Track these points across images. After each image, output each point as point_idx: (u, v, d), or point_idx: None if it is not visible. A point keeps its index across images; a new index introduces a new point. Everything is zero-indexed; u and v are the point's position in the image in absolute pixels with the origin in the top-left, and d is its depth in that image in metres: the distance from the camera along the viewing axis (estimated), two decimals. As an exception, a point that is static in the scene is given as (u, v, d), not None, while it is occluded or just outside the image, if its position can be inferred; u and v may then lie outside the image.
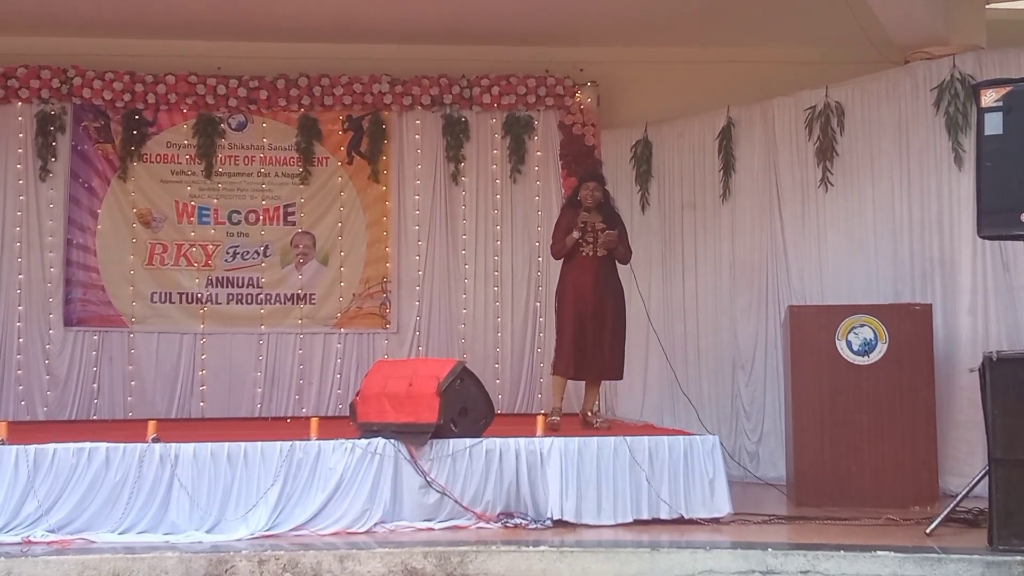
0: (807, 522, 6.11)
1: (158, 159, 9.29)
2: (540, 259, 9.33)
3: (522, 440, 6.02)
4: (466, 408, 6.07)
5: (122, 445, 5.68)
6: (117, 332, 9.09)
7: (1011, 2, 8.33)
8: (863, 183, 7.92)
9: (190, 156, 9.30)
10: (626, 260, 7.19)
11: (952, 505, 5.73)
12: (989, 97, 5.55)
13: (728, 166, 8.69)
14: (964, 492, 5.71)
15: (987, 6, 7.94)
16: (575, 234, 7.03)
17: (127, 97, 9.15)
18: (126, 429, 6.95)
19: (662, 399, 8.88)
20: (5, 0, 8.42)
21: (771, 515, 6.25)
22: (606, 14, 8.77)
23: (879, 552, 5.03)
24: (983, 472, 5.39)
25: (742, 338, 8.53)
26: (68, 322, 9.01)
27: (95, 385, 8.99)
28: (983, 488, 5.37)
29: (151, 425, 5.90)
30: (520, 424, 6.85)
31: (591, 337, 6.98)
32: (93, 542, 5.42)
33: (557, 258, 7.26)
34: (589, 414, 7.21)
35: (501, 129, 9.52)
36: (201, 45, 9.22)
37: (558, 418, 6.89)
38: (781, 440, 8.00)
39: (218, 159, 9.33)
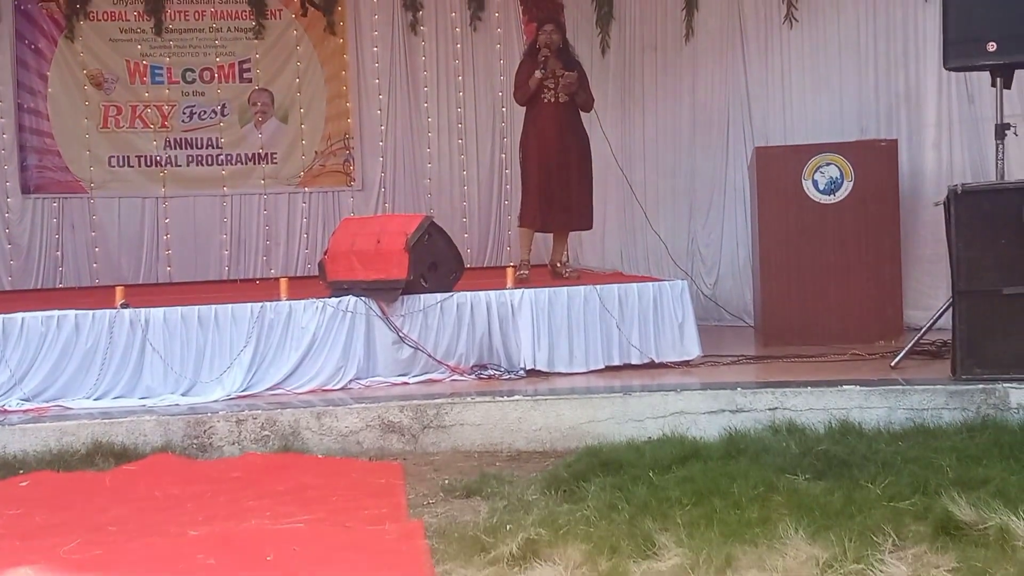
0: (774, 361, 6.21)
1: (105, 17, 8.98)
2: (504, 109, 9.21)
3: (492, 293, 6.05)
4: (435, 263, 6.07)
5: (91, 312, 5.66)
6: (77, 198, 8.96)
7: None
8: (828, 18, 7.77)
9: (138, 13, 9.00)
10: (588, 107, 7.11)
11: (916, 338, 5.83)
12: (956, -76, 5.44)
13: (691, 4, 8.48)
14: (928, 325, 5.80)
15: None
16: (537, 73, 6.92)
17: (67, -51, 8.78)
18: (94, 296, 6.96)
19: (622, 245, 8.92)
20: None
21: (739, 356, 6.35)
22: None
23: (845, 386, 5.13)
24: (947, 304, 5.48)
25: (700, 181, 8.49)
26: (25, 189, 8.85)
27: (59, 253, 8.90)
28: (947, 320, 5.45)
29: (119, 291, 5.86)
30: (490, 277, 6.89)
31: (557, 188, 6.95)
32: (69, 408, 5.44)
33: (521, 103, 7.16)
34: (558, 264, 7.24)
35: (459, -28, 9.25)
36: None
37: (527, 271, 6.91)
38: (738, 283, 8.15)
39: (167, 15, 9.03)
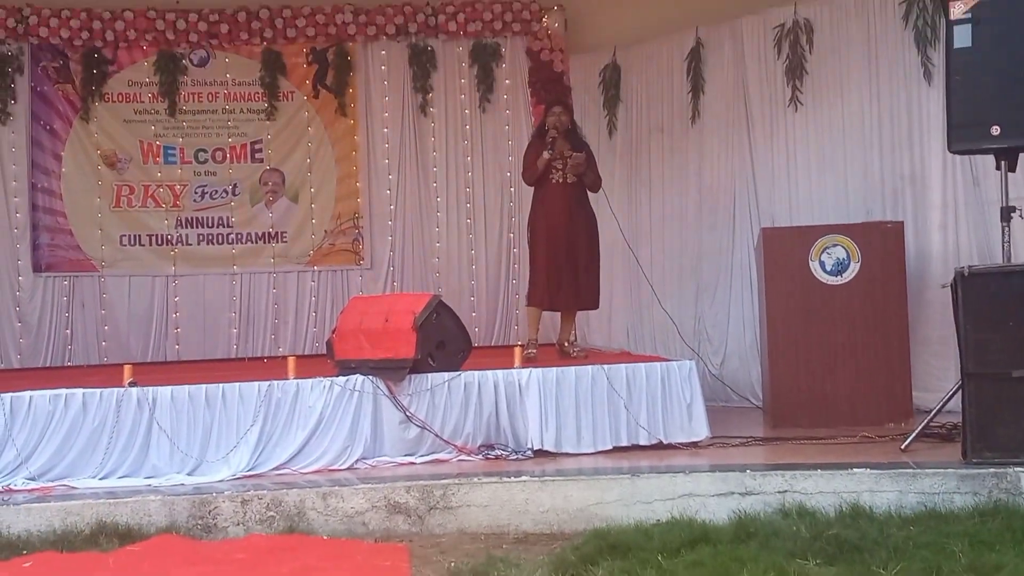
0: (784, 443, 6.18)
1: (120, 98, 9.18)
2: (512, 189, 9.30)
3: (500, 372, 6.05)
4: (443, 342, 6.09)
5: (99, 390, 5.68)
6: (87, 276, 9.04)
7: (979, -87, 8.24)
8: (833, 101, 7.88)
9: (153, 94, 9.19)
10: (596, 188, 7.20)
11: (926, 421, 5.80)
12: (958, 9, 5.55)
13: (697, 88, 8.63)
14: (938, 407, 5.77)
15: (955, -85, 7.88)
16: (545, 154, 7.02)
17: (85, 35, 9.01)
18: (102, 374, 6.97)
19: (629, 324, 8.94)
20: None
21: (749, 437, 6.32)
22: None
23: (855, 469, 5.09)
24: (956, 387, 5.44)
25: (707, 262, 8.55)
26: (37, 268, 8.95)
27: (68, 331, 8.97)
28: (956, 403, 5.42)
29: (127, 369, 5.89)
30: (498, 356, 6.92)
31: (565, 267, 7.00)
32: (75, 488, 5.42)
33: (529, 183, 7.25)
34: (566, 344, 7.26)
35: (468, 57, 9.44)
36: (160, -22, 9.06)
37: (534, 350, 6.93)
38: (744, 363, 8.13)
39: (181, 96, 9.22)
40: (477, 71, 9.41)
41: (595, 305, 7.31)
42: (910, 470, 5.06)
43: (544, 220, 7.08)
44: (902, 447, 5.65)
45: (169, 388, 5.75)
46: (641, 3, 9.18)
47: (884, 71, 7.59)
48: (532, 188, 7.26)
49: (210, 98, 9.29)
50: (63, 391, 5.65)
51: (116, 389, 5.68)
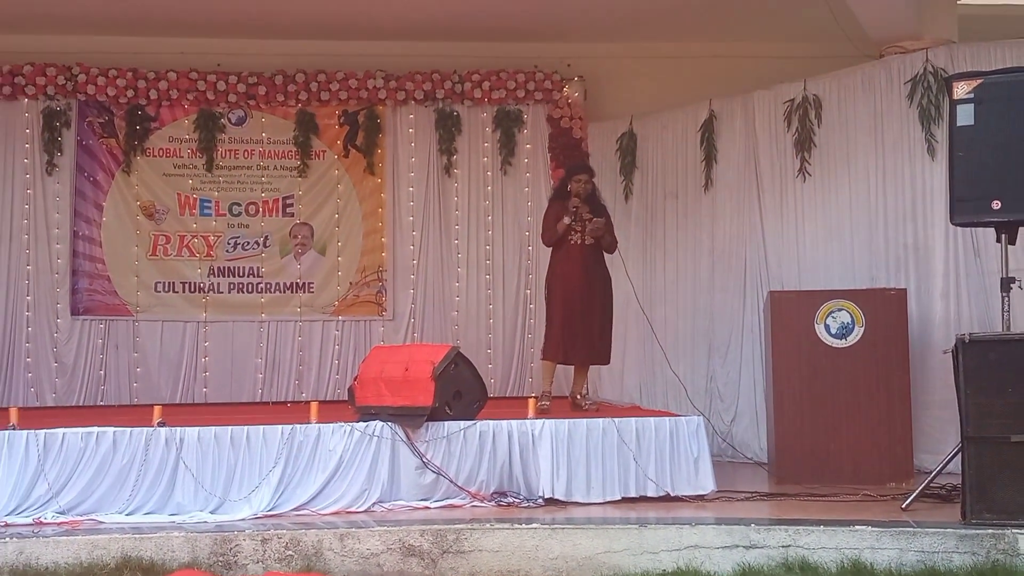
0: (788, 499, 6.25)
1: (160, 153, 9.45)
2: (530, 248, 9.48)
3: (514, 422, 6.15)
4: (460, 391, 6.19)
5: (129, 429, 5.79)
6: (123, 320, 9.25)
7: (981, -3, 8.51)
8: (839, 173, 8.01)
9: (191, 150, 9.45)
10: (612, 249, 7.38)
11: (927, 481, 5.89)
12: (961, 89, 5.68)
13: (710, 157, 8.78)
14: (938, 469, 5.88)
15: (958, 1, 8.05)
16: (566, 219, 7.21)
17: (130, 93, 9.29)
18: (132, 414, 7.09)
19: (641, 381, 9.03)
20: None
21: (754, 492, 6.39)
22: (593, 10, 8.90)
23: (857, 527, 5.15)
24: (956, 449, 5.54)
25: (719, 322, 8.65)
26: (75, 311, 9.18)
27: (102, 372, 9.16)
28: (956, 465, 5.53)
29: (156, 410, 6.00)
30: (512, 407, 7.02)
31: (580, 323, 7.15)
32: (101, 523, 5.53)
33: (548, 245, 7.42)
34: (579, 396, 7.35)
35: (492, 123, 9.66)
36: (202, 42, 9.34)
37: (548, 402, 7.02)
38: (754, 421, 8.19)
39: (219, 153, 9.47)
40: (500, 136, 9.64)
41: (607, 360, 7.47)
42: (911, 529, 5.12)
43: (562, 279, 7.26)
44: (903, 506, 5.73)
45: (196, 429, 5.85)
46: (658, 75, 9.49)
47: (890, 146, 7.72)
48: (550, 248, 7.48)
49: (246, 155, 9.54)
50: (95, 429, 5.75)
51: (145, 428, 5.79)
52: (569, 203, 7.26)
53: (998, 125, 5.62)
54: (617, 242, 7.45)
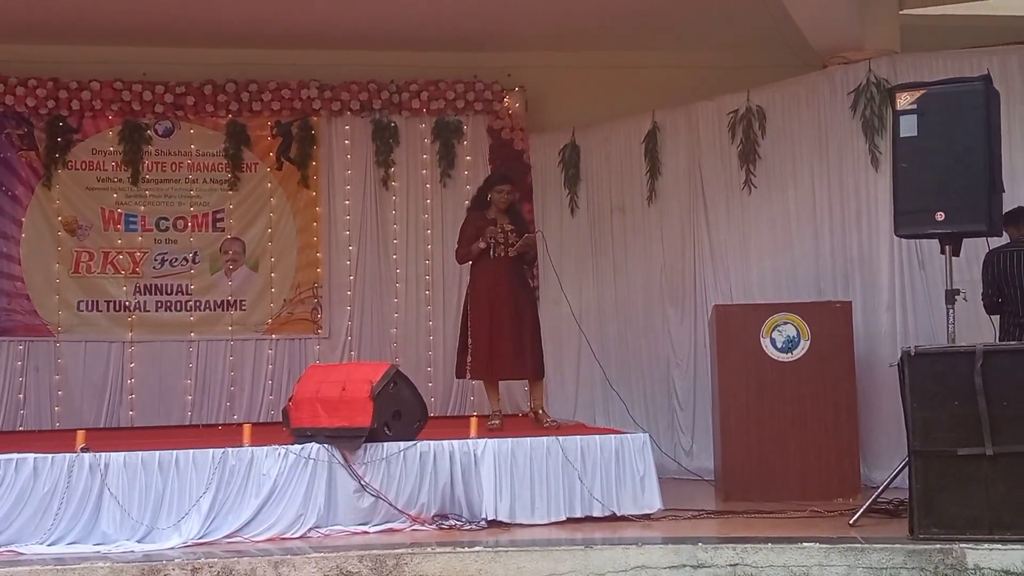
0: (735, 516, 6.22)
1: (83, 166, 9.19)
2: (471, 262, 9.38)
3: (456, 442, 6.08)
4: (399, 411, 6.11)
5: (50, 455, 5.63)
6: (43, 341, 8.98)
7: (923, 7, 8.57)
8: (785, 184, 8.07)
9: (116, 163, 9.20)
10: (533, 264, 7.34)
11: (874, 496, 5.90)
12: (904, 100, 5.73)
13: (654, 169, 8.80)
14: (885, 484, 5.89)
15: (900, 12, 8.16)
16: (481, 244, 7.08)
17: (51, 104, 9.03)
18: (54, 439, 6.93)
19: (594, 398, 8.99)
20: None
21: (700, 510, 6.36)
22: (533, 20, 8.86)
23: (805, 544, 5.15)
24: (903, 464, 5.56)
25: (676, 337, 8.65)
26: (-9, 332, 8.91)
27: (21, 396, 8.87)
28: (903, 479, 5.54)
29: (80, 435, 5.85)
30: (454, 426, 6.91)
31: (510, 339, 7.02)
32: (22, 554, 5.36)
33: (461, 263, 7.36)
34: (540, 412, 7.17)
35: (430, 134, 9.56)
36: (127, 51, 9.10)
37: (498, 421, 6.95)
38: (707, 437, 8.14)
39: (145, 165, 9.24)
40: (439, 147, 9.54)
41: (542, 374, 7.30)
42: (858, 545, 5.13)
43: (487, 293, 7.09)
44: (850, 522, 5.72)
45: (122, 454, 5.71)
46: (600, 87, 9.45)
47: (834, 157, 7.78)
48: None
49: (174, 167, 9.33)
50: (14, 456, 5.59)
51: (68, 454, 5.64)
52: (487, 231, 7.09)
53: (941, 136, 5.65)
54: (537, 256, 7.38)
